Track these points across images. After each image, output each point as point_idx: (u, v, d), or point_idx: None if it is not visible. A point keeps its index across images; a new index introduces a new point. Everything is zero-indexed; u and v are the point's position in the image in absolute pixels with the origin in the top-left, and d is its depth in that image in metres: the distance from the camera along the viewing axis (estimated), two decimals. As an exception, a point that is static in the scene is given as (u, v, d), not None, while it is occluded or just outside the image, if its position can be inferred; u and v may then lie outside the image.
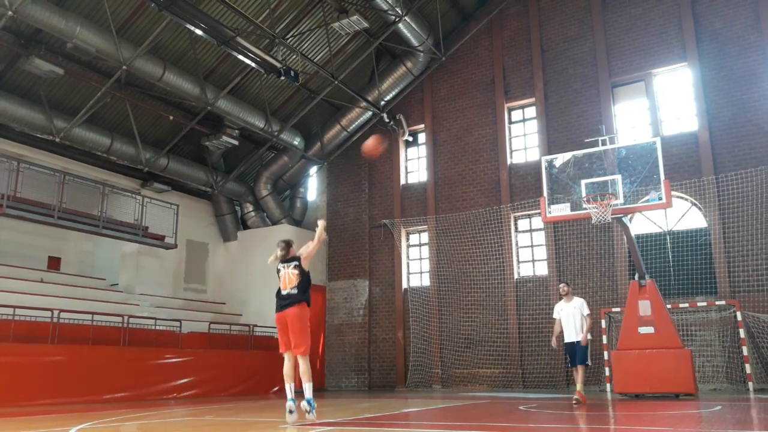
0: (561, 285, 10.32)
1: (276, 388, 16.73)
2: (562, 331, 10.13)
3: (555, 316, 10.32)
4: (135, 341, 13.61)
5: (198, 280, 18.79)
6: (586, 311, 10.01)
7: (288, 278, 7.08)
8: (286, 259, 7.22)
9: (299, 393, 6.95)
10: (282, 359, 7.09)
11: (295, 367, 7.01)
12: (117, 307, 14.60)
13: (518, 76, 17.81)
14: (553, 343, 10.30)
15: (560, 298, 10.37)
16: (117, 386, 12.64)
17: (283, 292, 7.09)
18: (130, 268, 16.97)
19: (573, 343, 9.93)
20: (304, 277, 7.09)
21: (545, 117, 17.03)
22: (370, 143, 8.26)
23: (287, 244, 7.38)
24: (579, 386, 9.75)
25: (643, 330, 11.78)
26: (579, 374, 9.83)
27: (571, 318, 10.01)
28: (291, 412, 6.70)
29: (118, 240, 16.09)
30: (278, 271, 7.24)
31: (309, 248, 7.24)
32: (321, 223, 7.46)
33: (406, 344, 17.85)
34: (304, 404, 6.68)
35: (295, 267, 7.08)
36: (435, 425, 7.31)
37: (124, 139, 15.44)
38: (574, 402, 9.55)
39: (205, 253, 19.11)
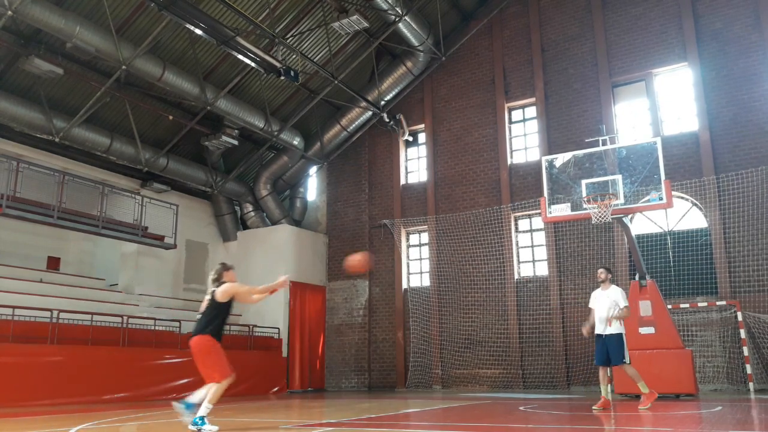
0: (599, 270, 9.37)
1: (276, 388, 16.72)
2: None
3: (590, 305, 9.39)
4: (134, 341, 13.59)
5: (198, 280, 18.76)
6: (623, 304, 9.01)
7: (203, 303, 6.61)
8: (215, 282, 6.65)
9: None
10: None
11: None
12: (116, 307, 14.59)
13: (518, 76, 17.79)
14: (584, 331, 9.32)
15: (598, 286, 9.44)
16: (117, 386, 12.62)
17: (197, 315, 6.65)
18: (129, 269, 16.95)
19: (602, 336, 9.04)
20: (214, 308, 6.50)
21: (545, 117, 17.01)
22: (356, 261, 7.50)
23: (223, 268, 6.70)
24: (640, 386, 8.81)
25: (643, 330, 11.77)
26: (629, 374, 8.92)
27: (604, 309, 9.07)
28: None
29: (118, 240, 16.07)
30: None
31: (242, 288, 6.57)
32: (282, 280, 6.78)
33: (406, 344, 17.83)
34: (181, 406, 6.28)
35: (210, 294, 6.52)
36: (435, 426, 7.29)
37: (123, 139, 15.42)
38: (639, 408, 8.59)
39: (204, 253, 19.09)
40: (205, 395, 6.36)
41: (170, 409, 10.26)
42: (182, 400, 6.44)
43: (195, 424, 6.16)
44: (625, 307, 9.01)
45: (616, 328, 8.99)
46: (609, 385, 9.14)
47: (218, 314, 6.49)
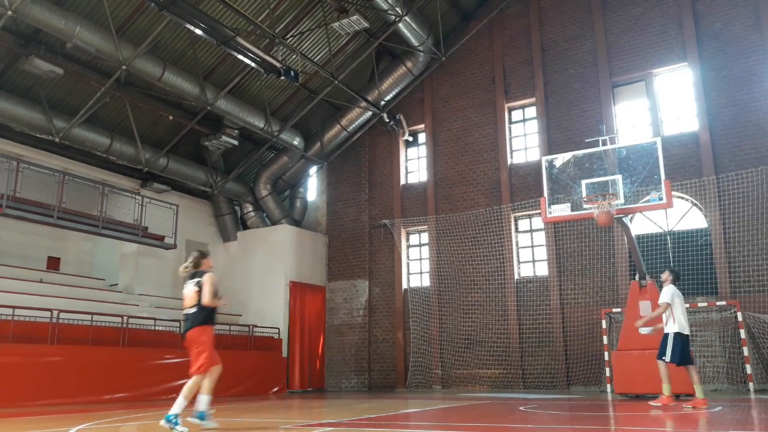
0: (664, 272, 9.38)
1: (276, 388, 16.72)
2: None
3: None
4: (134, 341, 13.58)
5: (198, 280, 18.72)
6: (662, 299, 9.03)
7: (189, 296, 6.58)
8: (193, 273, 6.67)
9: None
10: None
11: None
12: (116, 307, 14.58)
13: (518, 76, 17.79)
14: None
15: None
16: (117, 386, 12.62)
17: (184, 311, 6.62)
18: (129, 269, 16.95)
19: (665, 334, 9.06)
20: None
21: (545, 117, 17.01)
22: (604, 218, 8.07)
23: (201, 255, 6.76)
24: (663, 387, 8.82)
25: (643, 330, 11.70)
26: (660, 370, 8.91)
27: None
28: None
29: (118, 240, 16.07)
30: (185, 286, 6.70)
31: (205, 292, 6.52)
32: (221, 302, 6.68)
33: (406, 345, 17.83)
34: (194, 419, 6.27)
35: (197, 284, 6.55)
36: (435, 426, 7.29)
37: (123, 139, 15.42)
38: (650, 402, 8.72)
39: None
40: (207, 398, 6.40)
41: (170, 409, 10.26)
42: (195, 414, 6.45)
43: (168, 420, 6.07)
44: (663, 303, 8.96)
45: (669, 327, 8.98)
46: (697, 383, 8.87)
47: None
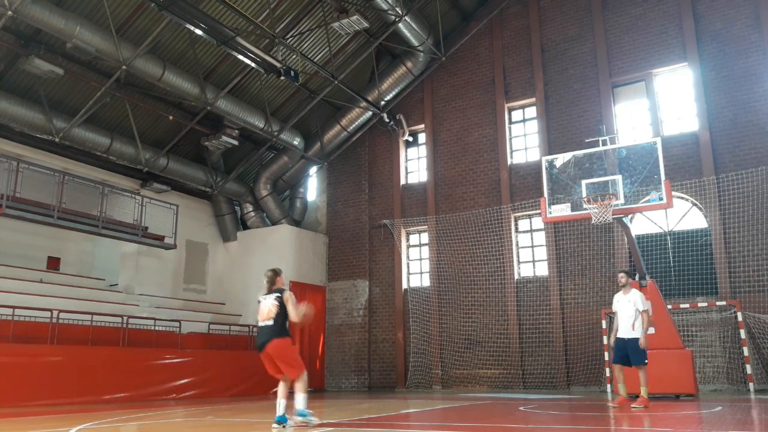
0: (620, 274, 9.50)
1: (276, 389, 16.70)
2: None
3: (614, 308, 9.64)
4: (134, 342, 13.59)
5: (197, 280, 18.76)
6: (641, 306, 9.20)
7: (267, 309, 6.84)
8: (270, 290, 6.95)
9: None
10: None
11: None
12: (116, 307, 14.58)
13: (518, 76, 17.79)
14: (610, 340, 9.75)
15: (619, 289, 9.61)
16: (117, 386, 12.61)
17: (260, 323, 6.89)
18: (129, 269, 16.95)
19: (624, 339, 9.24)
20: (283, 310, 6.82)
21: (545, 117, 17.01)
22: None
23: (275, 274, 7.05)
24: (642, 389, 9.12)
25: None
26: (640, 376, 9.20)
27: (624, 312, 9.35)
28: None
29: (118, 240, 16.07)
30: (259, 302, 7.00)
31: (291, 310, 6.81)
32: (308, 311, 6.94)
33: (406, 345, 17.83)
34: (296, 418, 6.66)
35: (276, 299, 6.83)
36: (435, 426, 7.29)
37: (123, 139, 15.42)
38: (632, 406, 8.84)
39: (204, 253, 19.09)
40: (303, 397, 6.84)
41: (170, 409, 10.27)
42: (288, 415, 6.83)
43: (302, 415, 6.67)
44: (644, 311, 9.25)
45: (639, 332, 9.21)
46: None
47: (286, 317, 6.86)
